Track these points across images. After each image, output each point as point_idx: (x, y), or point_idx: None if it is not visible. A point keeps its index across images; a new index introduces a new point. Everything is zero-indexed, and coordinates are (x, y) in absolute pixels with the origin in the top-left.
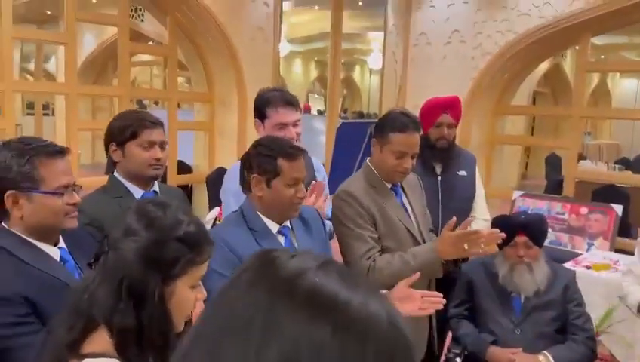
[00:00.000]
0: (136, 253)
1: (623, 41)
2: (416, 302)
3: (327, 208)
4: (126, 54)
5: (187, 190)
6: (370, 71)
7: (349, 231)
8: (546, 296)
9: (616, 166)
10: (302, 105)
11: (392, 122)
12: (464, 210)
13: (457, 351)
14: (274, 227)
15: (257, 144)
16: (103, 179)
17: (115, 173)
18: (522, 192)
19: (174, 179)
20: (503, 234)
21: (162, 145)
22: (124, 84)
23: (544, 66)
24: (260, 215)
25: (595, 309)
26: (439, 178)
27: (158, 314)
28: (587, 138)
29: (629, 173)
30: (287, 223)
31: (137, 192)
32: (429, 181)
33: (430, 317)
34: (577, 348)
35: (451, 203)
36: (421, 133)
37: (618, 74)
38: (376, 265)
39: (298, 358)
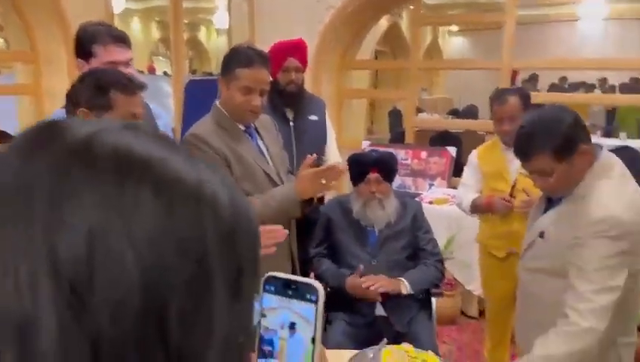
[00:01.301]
0: None
1: (451, 1)
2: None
3: None
4: None
5: None
6: (217, 31)
7: None
8: (397, 227)
9: (449, 116)
10: (146, 67)
11: (237, 57)
12: (317, 154)
13: None
14: None
15: (86, 75)
16: None
17: None
18: (370, 142)
19: None
20: (345, 167)
21: None
22: None
23: (383, 25)
24: None
25: (438, 239)
26: (291, 123)
27: None
28: (423, 94)
29: (459, 120)
30: None
31: None
32: (281, 127)
33: (292, 259)
34: (428, 271)
35: (305, 148)
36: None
37: (447, 34)
38: None
39: (110, 229)
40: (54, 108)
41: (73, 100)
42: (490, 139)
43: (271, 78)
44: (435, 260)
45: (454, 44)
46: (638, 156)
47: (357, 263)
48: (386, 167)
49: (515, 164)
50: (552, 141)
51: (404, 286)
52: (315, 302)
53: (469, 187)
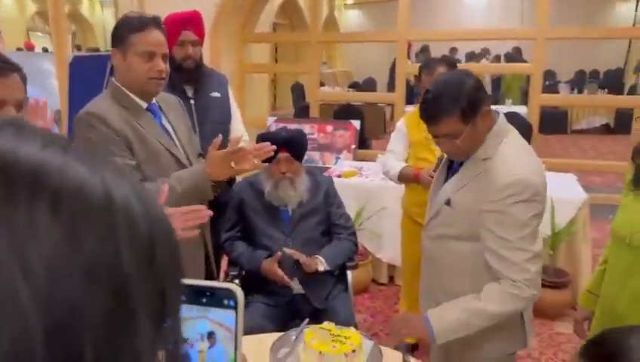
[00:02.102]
0: None
1: None
2: (177, 222)
3: None
4: None
5: None
6: (102, 4)
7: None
8: (310, 204)
9: (350, 89)
10: (23, 44)
11: (128, 23)
12: (222, 132)
13: (235, 273)
14: None
15: None
16: None
17: None
18: (275, 118)
19: None
20: (273, 147)
21: None
22: None
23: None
24: None
25: (349, 211)
26: (192, 101)
27: None
28: (323, 67)
29: (362, 93)
30: None
31: None
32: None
33: (205, 244)
34: (342, 245)
35: (208, 126)
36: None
37: (343, 6)
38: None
39: None
40: None
41: None
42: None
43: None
44: (348, 234)
45: (350, 17)
46: (525, 122)
47: (272, 244)
48: (296, 147)
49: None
50: (459, 103)
51: (321, 264)
52: (235, 308)
53: (396, 154)
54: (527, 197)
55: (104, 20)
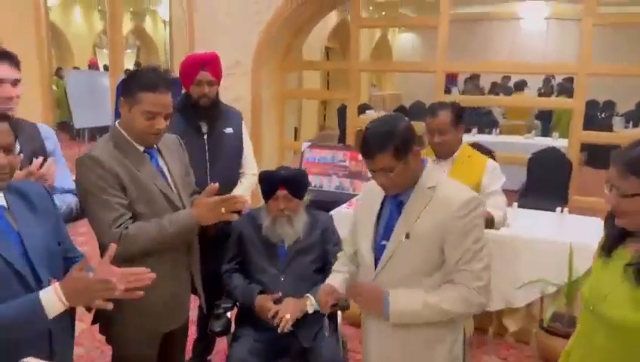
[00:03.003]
0: None
1: None
2: (119, 284)
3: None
4: None
5: None
6: (164, 22)
7: (94, 199)
8: (306, 241)
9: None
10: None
11: (140, 80)
12: (232, 167)
13: (228, 305)
14: None
15: None
16: None
17: None
18: (310, 143)
19: None
20: (243, 201)
21: None
22: None
23: (333, 22)
24: None
25: None
26: (205, 136)
27: None
28: (373, 90)
29: None
30: (2, 201)
31: None
32: (195, 141)
33: (192, 277)
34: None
35: (219, 161)
36: (183, 91)
37: (397, 29)
38: (129, 232)
39: None
40: None
41: None
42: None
43: (184, 91)
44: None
45: (403, 40)
46: (562, 157)
47: (266, 279)
48: (295, 185)
49: (443, 177)
50: (392, 142)
51: (310, 305)
52: None
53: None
54: (480, 212)
55: (166, 37)
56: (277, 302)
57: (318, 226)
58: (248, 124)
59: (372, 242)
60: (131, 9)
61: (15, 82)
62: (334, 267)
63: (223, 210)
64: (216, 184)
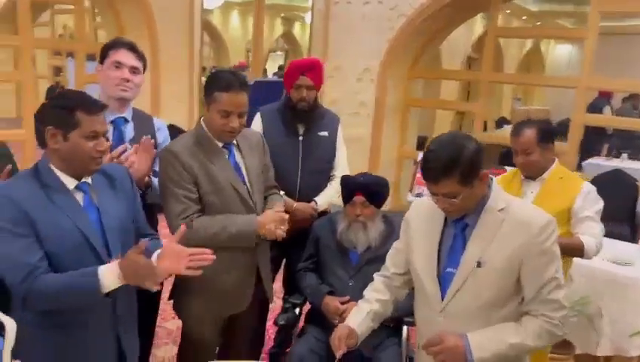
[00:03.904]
0: None
1: (559, 8)
2: (183, 261)
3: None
4: (26, 3)
5: None
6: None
7: (166, 191)
8: (379, 251)
9: None
10: (238, 63)
11: (217, 81)
12: (322, 170)
13: (297, 301)
14: (71, 183)
15: (53, 97)
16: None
17: None
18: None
19: None
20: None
21: None
22: (25, 34)
23: (479, 31)
24: (56, 170)
25: None
26: (300, 138)
27: None
28: (517, 104)
29: None
30: (88, 179)
31: None
32: (291, 141)
33: (258, 267)
34: (403, 300)
35: (310, 163)
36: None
37: (552, 40)
38: (192, 225)
39: None
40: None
41: (41, 118)
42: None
43: (285, 93)
44: (412, 289)
45: (559, 52)
46: (631, 181)
47: (336, 282)
48: (372, 192)
49: (530, 197)
50: (458, 167)
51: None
52: (2, 336)
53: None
54: (557, 235)
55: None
56: (344, 304)
57: (394, 237)
58: (369, 129)
59: (435, 269)
60: (282, 15)
61: (133, 69)
62: (365, 293)
63: (282, 227)
64: (291, 204)
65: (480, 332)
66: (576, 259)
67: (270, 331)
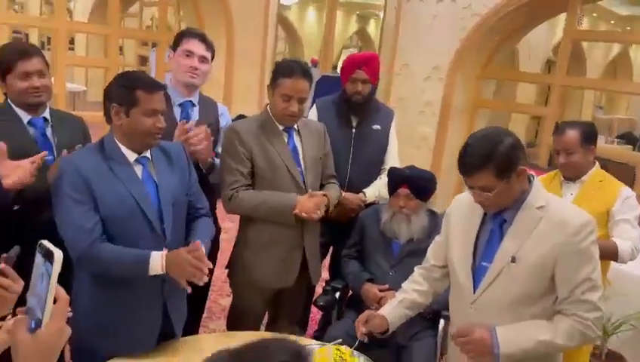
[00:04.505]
0: None
1: None
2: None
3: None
4: None
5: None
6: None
7: (224, 163)
8: (422, 244)
9: (616, 140)
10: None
11: (282, 68)
12: (373, 162)
13: (338, 286)
14: (132, 156)
15: (118, 76)
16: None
17: (8, 100)
18: None
19: None
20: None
21: (40, 74)
22: (113, 24)
23: (560, 35)
24: (119, 144)
25: None
26: (354, 130)
27: None
28: (598, 112)
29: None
30: (147, 154)
31: (25, 117)
32: (343, 133)
33: (304, 249)
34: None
35: (361, 155)
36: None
37: None
38: (238, 195)
39: None
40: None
41: (108, 96)
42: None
43: (342, 86)
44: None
45: None
46: None
47: (377, 271)
48: (417, 185)
49: (568, 199)
50: (494, 160)
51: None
52: (52, 265)
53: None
54: (595, 237)
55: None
56: (383, 291)
57: (438, 231)
58: (434, 129)
59: (470, 262)
60: (357, 12)
61: (202, 58)
62: (403, 284)
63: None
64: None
65: (509, 327)
66: (629, 270)
67: (316, 315)
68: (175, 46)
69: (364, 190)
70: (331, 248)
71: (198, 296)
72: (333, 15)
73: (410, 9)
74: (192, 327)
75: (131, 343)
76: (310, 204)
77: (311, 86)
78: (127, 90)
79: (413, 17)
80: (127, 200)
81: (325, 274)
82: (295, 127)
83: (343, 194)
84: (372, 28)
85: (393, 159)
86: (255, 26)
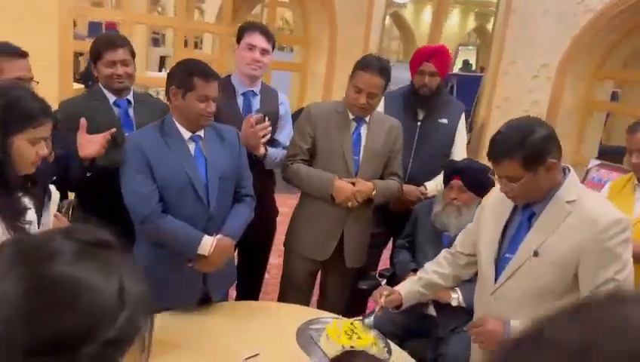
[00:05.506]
0: None
1: None
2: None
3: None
4: None
5: None
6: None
7: (292, 137)
8: None
9: None
10: None
11: (362, 61)
12: (437, 156)
13: (386, 274)
14: (186, 134)
15: (181, 62)
16: None
17: (99, 83)
18: (599, 162)
19: None
20: None
21: (123, 63)
22: (225, 23)
23: None
24: (176, 122)
25: None
26: (419, 123)
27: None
28: None
29: None
30: (201, 133)
31: (111, 98)
32: (408, 125)
33: (342, 239)
34: None
35: (425, 148)
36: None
37: None
38: (292, 167)
39: None
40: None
41: (169, 79)
42: None
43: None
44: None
45: None
46: None
47: (426, 262)
48: (470, 178)
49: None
50: (522, 149)
51: (454, 298)
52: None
53: None
54: (627, 236)
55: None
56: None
57: None
58: None
59: (495, 253)
60: (476, 10)
61: (263, 51)
62: (427, 264)
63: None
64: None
65: (524, 321)
66: None
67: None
68: (238, 39)
69: (425, 183)
70: (391, 239)
71: (258, 265)
72: (440, 12)
73: (520, 5)
74: (251, 293)
75: (174, 299)
76: (346, 191)
77: (387, 84)
78: (186, 75)
79: (523, 13)
80: (178, 171)
81: (386, 264)
82: (366, 119)
83: (403, 187)
84: (492, 25)
85: (460, 155)
86: (358, 23)
